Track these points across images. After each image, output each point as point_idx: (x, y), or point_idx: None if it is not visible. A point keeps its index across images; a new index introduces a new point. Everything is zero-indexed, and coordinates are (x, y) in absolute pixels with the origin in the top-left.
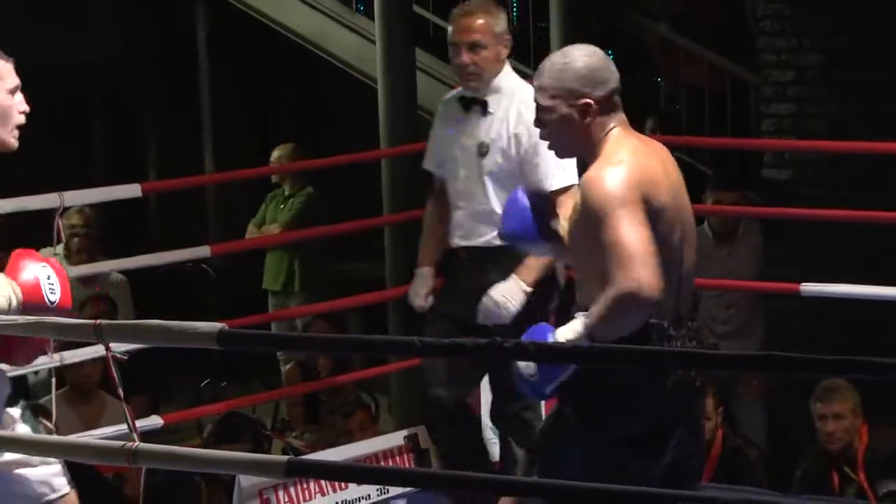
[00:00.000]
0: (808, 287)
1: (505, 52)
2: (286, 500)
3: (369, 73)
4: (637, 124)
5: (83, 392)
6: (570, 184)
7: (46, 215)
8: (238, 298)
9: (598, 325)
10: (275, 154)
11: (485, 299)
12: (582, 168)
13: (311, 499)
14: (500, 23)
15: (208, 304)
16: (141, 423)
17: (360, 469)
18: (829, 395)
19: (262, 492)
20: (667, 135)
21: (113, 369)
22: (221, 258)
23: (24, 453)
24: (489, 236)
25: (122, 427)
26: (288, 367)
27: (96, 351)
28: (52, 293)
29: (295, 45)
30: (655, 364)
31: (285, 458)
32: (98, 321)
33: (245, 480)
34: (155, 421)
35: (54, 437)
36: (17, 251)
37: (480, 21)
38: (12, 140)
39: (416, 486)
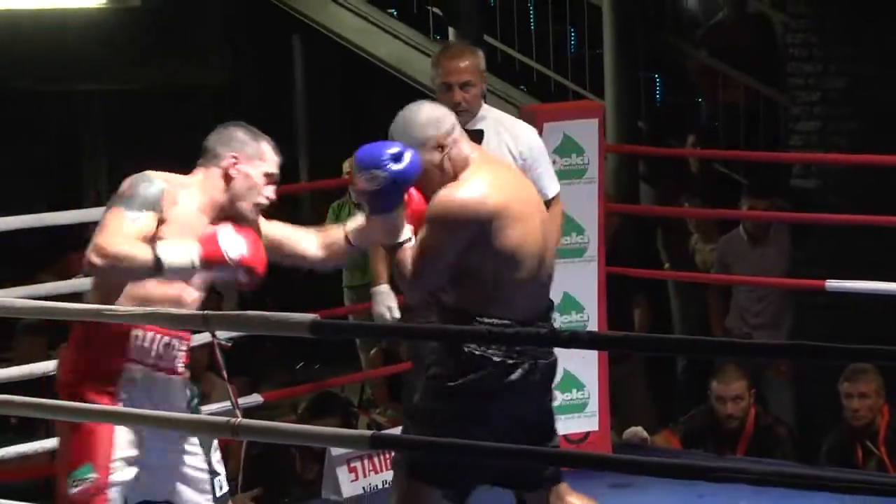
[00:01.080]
0: (833, 283)
1: (485, 87)
2: (370, 468)
3: None
4: (679, 140)
5: (193, 373)
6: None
7: None
8: (324, 292)
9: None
10: (345, 166)
11: None
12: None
13: (391, 469)
14: (482, 62)
15: (302, 297)
16: (243, 401)
17: (435, 443)
18: (857, 376)
19: (349, 461)
20: (706, 149)
21: (218, 354)
22: None
23: (141, 426)
24: None
25: (227, 404)
26: (372, 351)
27: (204, 338)
28: (231, 250)
29: (380, 69)
30: (689, 352)
31: (370, 432)
32: (205, 312)
33: (335, 451)
34: (256, 399)
35: (169, 413)
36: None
37: (468, 62)
38: (250, 214)
39: (484, 457)
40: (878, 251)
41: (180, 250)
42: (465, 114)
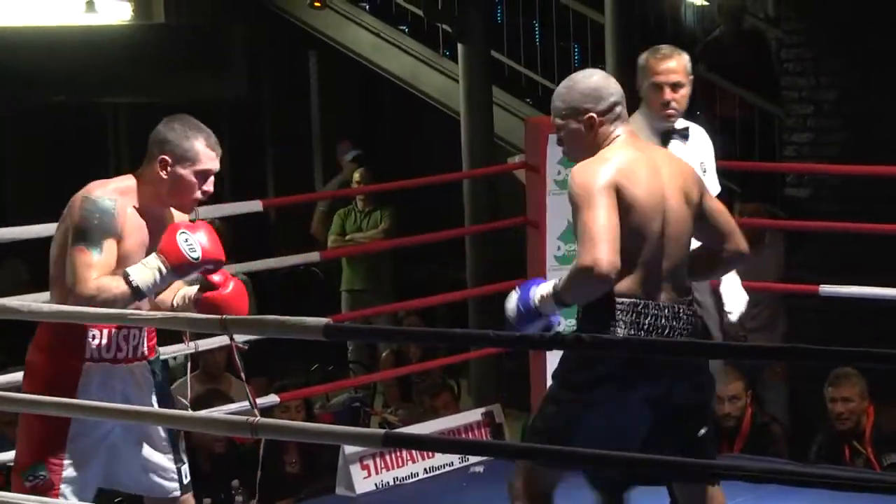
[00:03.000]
0: (826, 288)
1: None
2: (382, 466)
3: (454, 107)
4: None
5: (213, 374)
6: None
7: None
8: (335, 297)
9: (562, 289)
10: (355, 177)
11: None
12: None
13: (402, 465)
14: (690, 64)
15: (316, 302)
16: (261, 401)
17: (445, 441)
18: (840, 381)
19: (362, 458)
20: None
21: (236, 356)
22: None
23: (162, 425)
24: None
25: (245, 404)
26: (384, 354)
27: (223, 340)
28: (192, 251)
29: (392, 84)
30: (687, 354)
31: (382, 430)
32: (223, 316)
33: (348, 449)
34: (272, 399)
35: (190, 413)
36: (170, 225)
37: (678, 63)
38: (187, 210)
39: (492, 455)
40: (868, 257)
41: (150, 270)
42: (674, 114)
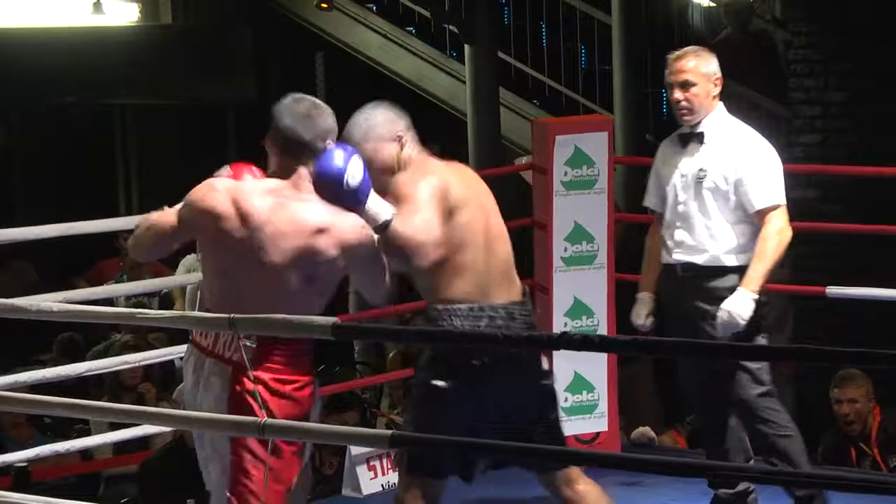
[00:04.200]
0: (833, 290)
1: (715, 90)
2: (388, 467)
3: (461, 108)
4: None
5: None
6: (775, 203)
7: None
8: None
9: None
10: None
11: (721, 313)
12: None
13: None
14: (709, 64)
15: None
16: None
17: (452, 442)
18: (845, 383)
19: (369, 459)
20: None
21: (244, 356)
22: None
23: (171, 427)
24: (710, 254)
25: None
26: (391, 354)
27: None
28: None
29: (400, 85)
30: (694, 355)
31: (389, 432)
32: (231, 315)
33: (355, 450)
34: None
35: (198, 413)
36: None
37: (691, 63)
38: None
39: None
40: (876, 259)
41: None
42: (686, 113)
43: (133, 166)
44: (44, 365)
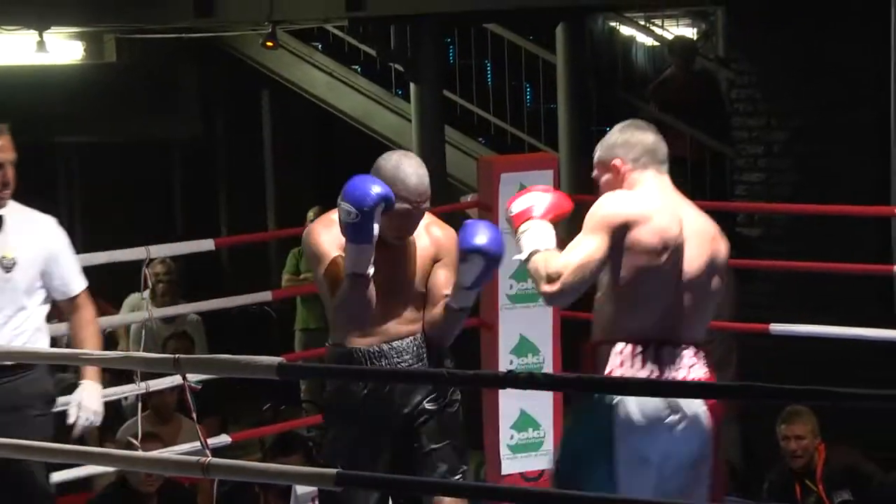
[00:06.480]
0: (777, 327)
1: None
2: None
3: (406, 146)
4: None
5: (163, 414)
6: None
7: (136, 265)
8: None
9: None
10: (310, 215)
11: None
12: None
13: None
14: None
15: (269, 341)
16: (212, 441)
17: (402, 481)
18: (792, 419)
19: (314, 499)
20: None
21: (188, 395)
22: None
23: (115, 467)
24: None
25: (196, 444)
26: None
27: (175, 380)
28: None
29: (346, 123)
30: (640, 392)
31: (335, 470)
32: (176, 356)
33: (300, 489)
34: (224, 439)
35: (140, 453)
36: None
37: None
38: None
39: (450, 494)
40: (818, 296)
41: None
42: None
43: (77, 204)
44: None
